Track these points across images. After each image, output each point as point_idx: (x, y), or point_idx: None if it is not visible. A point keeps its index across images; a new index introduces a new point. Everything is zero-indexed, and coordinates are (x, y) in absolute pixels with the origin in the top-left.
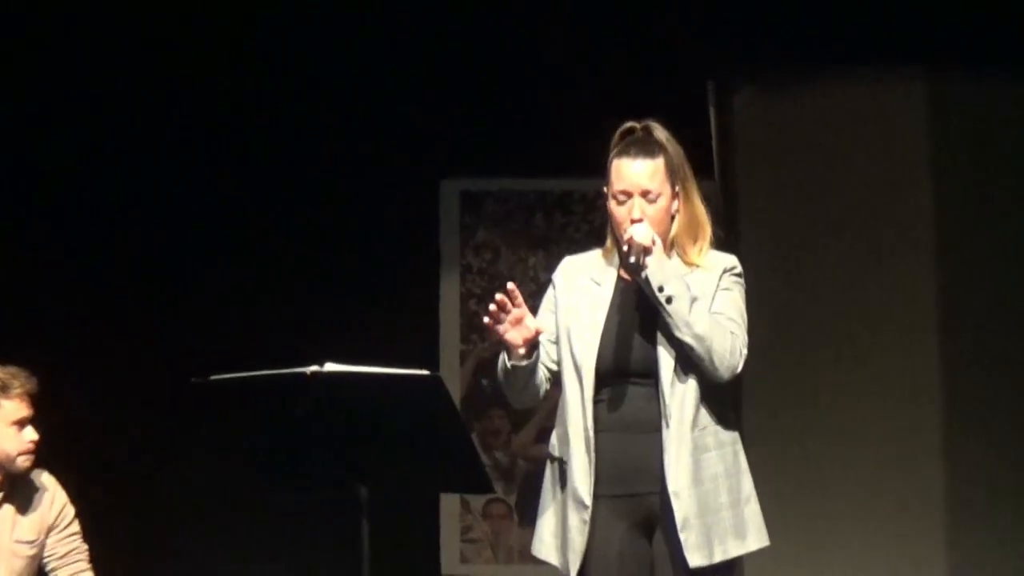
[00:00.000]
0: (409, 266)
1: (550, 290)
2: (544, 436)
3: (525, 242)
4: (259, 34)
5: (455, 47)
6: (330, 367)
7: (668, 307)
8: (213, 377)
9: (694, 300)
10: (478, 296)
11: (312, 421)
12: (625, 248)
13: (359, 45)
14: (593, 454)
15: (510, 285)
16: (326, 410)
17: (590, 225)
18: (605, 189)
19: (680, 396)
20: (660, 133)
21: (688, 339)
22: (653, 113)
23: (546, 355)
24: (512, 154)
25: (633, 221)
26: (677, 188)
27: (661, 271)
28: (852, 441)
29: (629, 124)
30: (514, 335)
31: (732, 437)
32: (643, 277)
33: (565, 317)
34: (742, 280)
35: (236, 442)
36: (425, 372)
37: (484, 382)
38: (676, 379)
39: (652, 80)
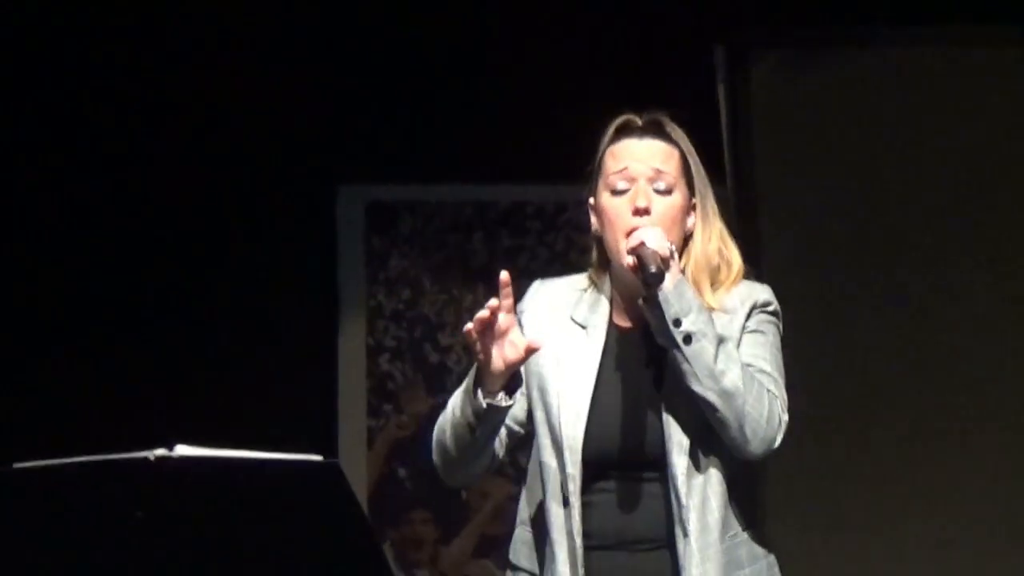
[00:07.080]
0: (294, 309)
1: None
2: (486, 548)
3: (458, 274)
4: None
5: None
6: (182, 450)
7: (686, 348)
8: (16, 465)
9: (722, 341)
10: (392, 351)
11: (156, 528)
12: (628, 260)
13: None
14: None
15: (504, 276)
16: (177, 511)
17: (550, 250)
18: (591, 199)
19: (700, 492)
20: (673, 128)
21: (712, 396)
22: (639, 94)
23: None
24: (439, 151)
25: (637, 211)
26: (695, 200)
27: (679, 298)
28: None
29: (626, 116)
30: (496, 355)
31: (764, 549)
32: (655, 300)
33: (539, 367)
34: (777, 320)
35: (43, 562)
36: (316, 457)
37: (401, 472)
38: (693, 468)
39: (636, 48)
